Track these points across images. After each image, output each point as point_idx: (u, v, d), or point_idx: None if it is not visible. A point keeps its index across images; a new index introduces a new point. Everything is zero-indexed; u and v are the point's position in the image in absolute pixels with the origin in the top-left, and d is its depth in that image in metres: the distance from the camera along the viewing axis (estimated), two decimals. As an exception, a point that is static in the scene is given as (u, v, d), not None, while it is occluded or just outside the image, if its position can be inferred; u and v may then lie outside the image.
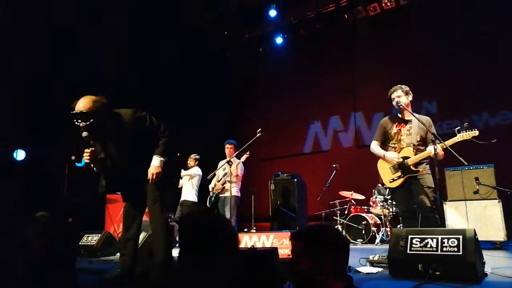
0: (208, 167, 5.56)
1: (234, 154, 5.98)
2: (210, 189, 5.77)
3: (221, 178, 6.00)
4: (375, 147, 4.04)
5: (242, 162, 5.98)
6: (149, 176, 3.11)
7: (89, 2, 6.49)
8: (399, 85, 3.96)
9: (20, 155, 6.58)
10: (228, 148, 6.06)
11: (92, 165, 3.14)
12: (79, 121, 2.89)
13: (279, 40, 9.30)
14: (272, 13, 8.61)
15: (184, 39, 8.68)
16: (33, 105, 6.16)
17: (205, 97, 9.38)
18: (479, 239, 3.06)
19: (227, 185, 5.75)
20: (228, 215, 5.66)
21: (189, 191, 6.64)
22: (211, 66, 9.60)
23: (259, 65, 9.75)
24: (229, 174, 5.55)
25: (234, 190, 5.73)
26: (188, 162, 6.84)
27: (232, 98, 9.98)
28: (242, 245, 3.41)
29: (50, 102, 6.13)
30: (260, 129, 5.29)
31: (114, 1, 6.85)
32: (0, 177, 6.01)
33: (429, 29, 7.53)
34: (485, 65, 6.95)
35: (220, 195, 5.98)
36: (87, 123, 2.88)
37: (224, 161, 5.91)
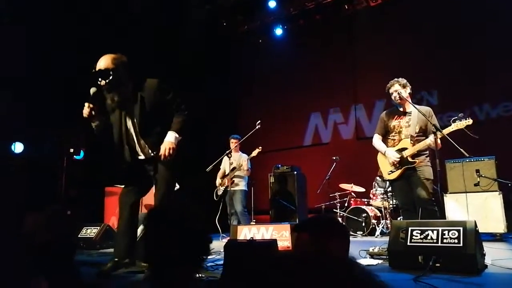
0: (207, 160, 5.54)
1: (233, 148, 6.01)
2: (217, 184, 5.78)
3: (229, 173, 6.01)
4: (377, 141, 4.04)
5: (254, 156, 6.04)
6: (162, 151, 2.96)
7: None
8: (395, 79, 3.93)
9: (18, 147, 6.54)
10: (233, 143, 6.08)
11: (91, 121, 3.03)
12: (100, 79, 2.87)
13: (278, 31, 9.22)
14: (272, 4, 8.53)
15: (183, 31, 8.59)
16: (31, 97, 6.11)
17: (204, 89, 9.32)
18: (479, 231, 3.04)
19: (236, 179, 5.92)
20: (238, 209, 5.83)
21: None
22: (211, 58, 9.52)
23: (259, 56, 9.67)
24: (239, 169, 5.76)
25: (242, 184, 5.97)
26: None
27: (231, 89, 9.92)
28: (241, 237, 3.40)
29: (49, 95, 6.09)
30: (259, 121, 5.26)
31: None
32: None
33: (430, 20, 7.46)
34: (486, 56, 6.89)
35: (229, 189, 6.01)
36: (107, 80, 2.86)
37: (236, 155, 6.03)
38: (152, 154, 3.14)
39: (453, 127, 3.61)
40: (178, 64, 8.52)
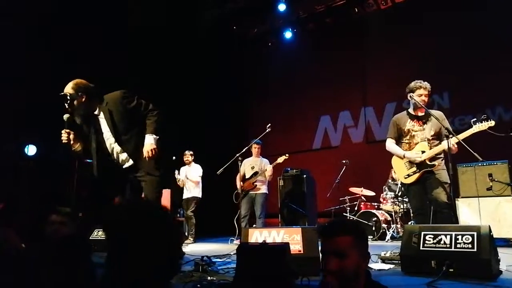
0: (218, 162, 5.56)
1: (255, 153, 6.27)
2: (239, 187, 5.85)
3: (251, 176, 6.06)
4: (391, 145, 3.98)
5: (280, 163, 6.13)
6: (145, 154, 3.16)
7: None
8: (422, 83, 3.85)
9: (31, 150, 6.65)
10: (256, 148, 6.21)
11: (71, 147, 3.22)
12: (64, 104, 3.11)
13: (288, 34, 9.24)
14: (281, 7, 8.54)
15: (195, 34, 8.66)
16: (44, 101, 6.20)
17: (214, 92, 9.38)
18: (492, 236, 3.00)
19: (258, 184, 6.04)
20: (257, 212, 5.98)
21: (191, 188, 6.80)
22: (221, 61, 9.57)
23: (269, 60, 9.70)
24: (261, 173, 5.95)
25: (263, 188, 6.08)
26: (187, 158, 6.91)
27: (241, 93, 9.96)
28: (252, 240, 3.40)
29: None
30: (269, 124, 5.26)
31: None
32: (12, 171, 6.08)
33: (441, 23, 7.40)
34: (498, 58, 6.81)
35: (250, 192, 6.09)
36: (66, 104, 3.09)
37: (250, 159, 6.22)
38: (131, 162, 3.30)
39: (475, 129, 3.54)
40: (187, 68, 8.61)
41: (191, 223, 6.69)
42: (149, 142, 3.19)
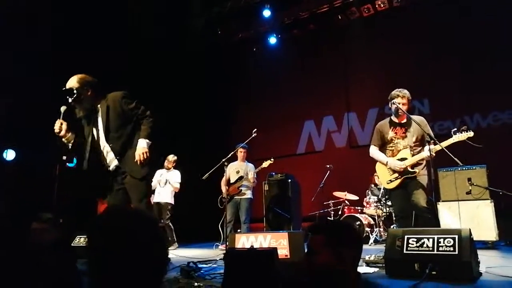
0: (202, 167, 5.54)
1: (240, 157, 6.27)
2: (224, 191, 5.81)
3: (236, 181, 6.03)
4: (375, 151, 4.07)
5: (265, 167, 6.20)
6: (137, 157, 3.18)
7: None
8: (401, 91, 3.93)
9: (10, 155, 6.47)
10: (242, 152, 6.19)
11: (62, 137, 3.27)
12: (67, 97, 3.16)
13: (272, 40, 9.30)
14: (266, 13, 8.60)
15: (178, 38, 8.64)
16: (24, 104, 6.06)
17: (198, 97, 9.35)
18: (472, 239, 3.09)
19: (243, 188, 6.02)
20: (242, 217, 5.95)
21: (167, 193, 6.55)
22: (205, 65, 9.56)
23: (253, 65, 9.74)
24: (246, 178, 5.95)
25: (249, 193, 6.07)
26: (167, 164, 6.64)
27: (226, 98, 9.96)
28: (239, 245, 3.40)
29: (42, 102, 6.04)
30: (255, 129, 5.28)
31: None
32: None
33: (422, 30, 7.61)
34: (477, 66, 7.04)
35: (235, 197, 6.06)
36: (72, 98, 3.15)
37: (235, 163, 6.21)
38: (116, 162, 3.32)
39: (454, 138, 3.68)
40: (174, 72, 8.57)
41: (169, 230, 6.52)
42: (142, 145, 3.22)
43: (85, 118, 3.35)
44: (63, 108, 3.22)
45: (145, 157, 3.18)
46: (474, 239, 3.08)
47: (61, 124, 3.19)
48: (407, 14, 7.79)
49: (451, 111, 7.24)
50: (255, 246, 3.20)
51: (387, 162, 3.92)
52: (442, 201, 5.35)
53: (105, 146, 3.32)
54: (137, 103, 3.34)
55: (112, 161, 3.34)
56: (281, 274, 2.35)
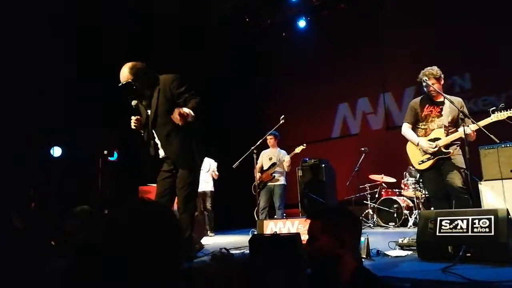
0: (232, 155, 5.61)
1: (270, 144, 6.21)
2: (257, 178, 5.86)
3: (269, 167, 6.08)
4: (407, 130, 3.94)
5: (298, 153, 6.11)
6: (175, 114, 3.01)
7: None
8: (430, 70, 3.72)
9: (56, 152, 6.92)
10: (270, 139, 6.13)
11: (141, 131, 3.32)
12: (127, 91, 3.12)
13: (302, 23, 9.13)
14: (294, -4, 8.44)
15: (207, 27, 8.68)
16: (68, 104, 6.43)
17: (228, 84, 9.40)
18: (515, 218, 2.93)
19: (277, 175, 5.98)
20: (276, 203, 5.92)
21: (210, 180, 6.83)
22: (235, 53, 9.58)
23: (283, 50, 9.63)
24: (279, 164, 5.88)
25: (282, 179, 6.01)
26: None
27: (256, 84, 9.95)
28: (267, 231, 3.45)
29: (85, 101, 6.38)
30: (283, 116, 5.27)
31: None
32: (39, 173, 6.37)
33: (462, 1, 7.12)
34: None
35: (269, 183, 6.06)
36: (134, 90, 3.11)
37: (268, 150, 6.19)
38: (165, 153, 3.28)
39: (493, 118, 3.51)
40: (203, 60, 8.65)
41: (210, 217, 6.77)
42: (186, 109, 3.07)
43: (146, 107, 3.30)
44: (134, 103, 3.19)
45: (184, 115, 3.01)
46: (518, 219, 2.92)
47: (136, 119, 3.23)
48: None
49: (496, 84, 6.77)
50: (283, 232, 3.24)
51: (418, 142, 3.78)
52: (485, 180, 5.07)
53: (154, 132, 3.31)
54: (187, 88, 3.26)
55: (159, 148, 3.33)
56: (305, 258, 2.36)
